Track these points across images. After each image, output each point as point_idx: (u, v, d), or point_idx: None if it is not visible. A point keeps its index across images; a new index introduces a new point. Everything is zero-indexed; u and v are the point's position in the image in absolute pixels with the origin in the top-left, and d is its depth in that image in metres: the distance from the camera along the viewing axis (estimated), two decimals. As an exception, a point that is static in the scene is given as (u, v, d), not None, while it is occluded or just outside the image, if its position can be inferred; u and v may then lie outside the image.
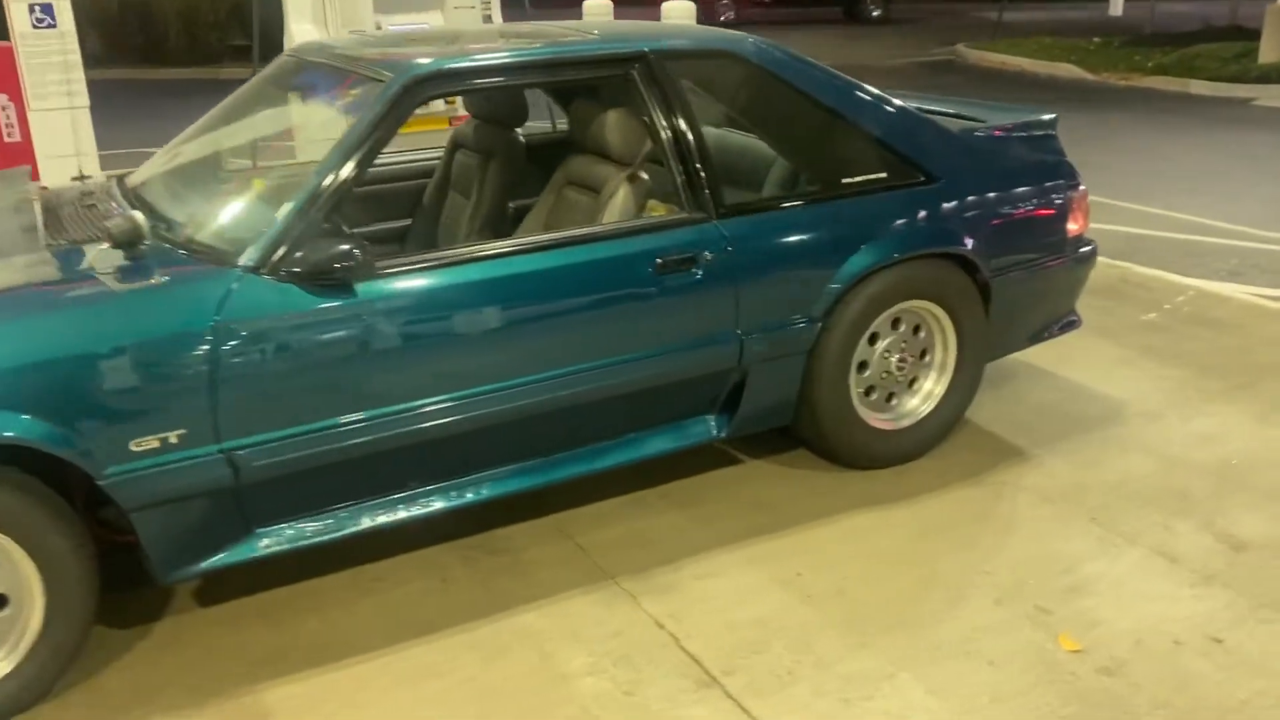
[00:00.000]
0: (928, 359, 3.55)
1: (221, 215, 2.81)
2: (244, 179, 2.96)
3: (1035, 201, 3.62)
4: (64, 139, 5.19)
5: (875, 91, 3.41)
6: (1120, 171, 8.36)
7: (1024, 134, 3.71)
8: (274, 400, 2.52)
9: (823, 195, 3.22)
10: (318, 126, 2.94)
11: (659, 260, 2.92)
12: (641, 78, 3.02)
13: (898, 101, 3.45)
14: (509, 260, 2.78)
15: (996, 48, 16.95)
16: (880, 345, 3.42)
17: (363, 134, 2.66)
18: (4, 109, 5.23)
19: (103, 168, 5.48)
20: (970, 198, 3.44)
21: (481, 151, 3.74)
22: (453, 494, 2.87)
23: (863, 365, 3.41)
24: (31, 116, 5.21)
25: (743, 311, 3.08)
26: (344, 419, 2.60)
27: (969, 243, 3.40)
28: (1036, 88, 13.63)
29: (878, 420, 3.47)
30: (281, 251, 2.53)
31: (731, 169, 3.36)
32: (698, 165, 3.03)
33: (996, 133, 3.67)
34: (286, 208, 2.57)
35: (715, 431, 3.22)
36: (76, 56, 5.22)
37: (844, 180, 3.25)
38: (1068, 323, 3.92)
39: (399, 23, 5.80)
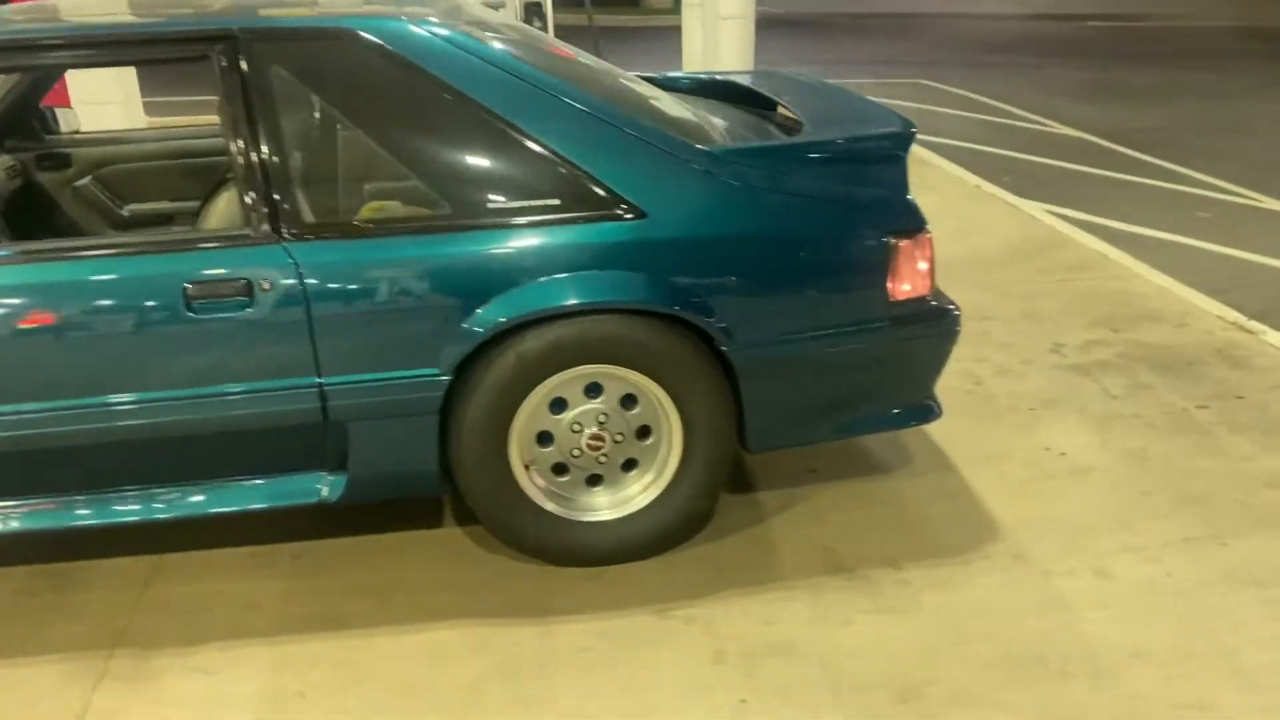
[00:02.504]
0: (651, 440, 2.74)
1: None
2: None
3: (830, 250, 2.66)
4: (104, 86, 5.36)
5: (582, 93, 2.62)
6: None
7: (844, 153, 2.72)
8: None
9: (454, 222, 2.52)
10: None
11: (188, 285, 2.42)
12: (223, 61, 2.49)
13: (616, 108, 2.63)
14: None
15: None
16: (568, 415, 2.67)
17: None
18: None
19: (148, 115, 5.66)
20: (700, 240, 2.58)
21: None
22: None
23: (547, 437, 2.69)
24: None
25: (324, 356, 2.50)
26: None
27: (690, 300, 2.55)
28: None
29: (559, 507, 2.73)
30: None
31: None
32: (265, 174, 2.47)
33: (803, 150, 2.71)
34: None
35: (328, 493, 2.66)
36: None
37: (489, 205, 2.53)
38: (913, 411, 2.89)
39: None
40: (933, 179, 6.61)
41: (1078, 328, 4.27)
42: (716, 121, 3.06)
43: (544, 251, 2.52)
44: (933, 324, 2.77)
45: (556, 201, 2.53)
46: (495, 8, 5.26)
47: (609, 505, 2.76)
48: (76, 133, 3.98)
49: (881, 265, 2.66)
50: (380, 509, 2.93)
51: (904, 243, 2.67)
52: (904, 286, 2.69)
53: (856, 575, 2.74)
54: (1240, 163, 7.12)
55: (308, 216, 2.49)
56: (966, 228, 5.55)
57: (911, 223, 2.68)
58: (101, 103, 5.44)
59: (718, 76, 3.74)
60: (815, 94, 3.31)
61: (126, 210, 3.86)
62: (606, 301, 2.53)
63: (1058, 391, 3.73)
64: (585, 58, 3.10)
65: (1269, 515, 2.96)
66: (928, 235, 2.71)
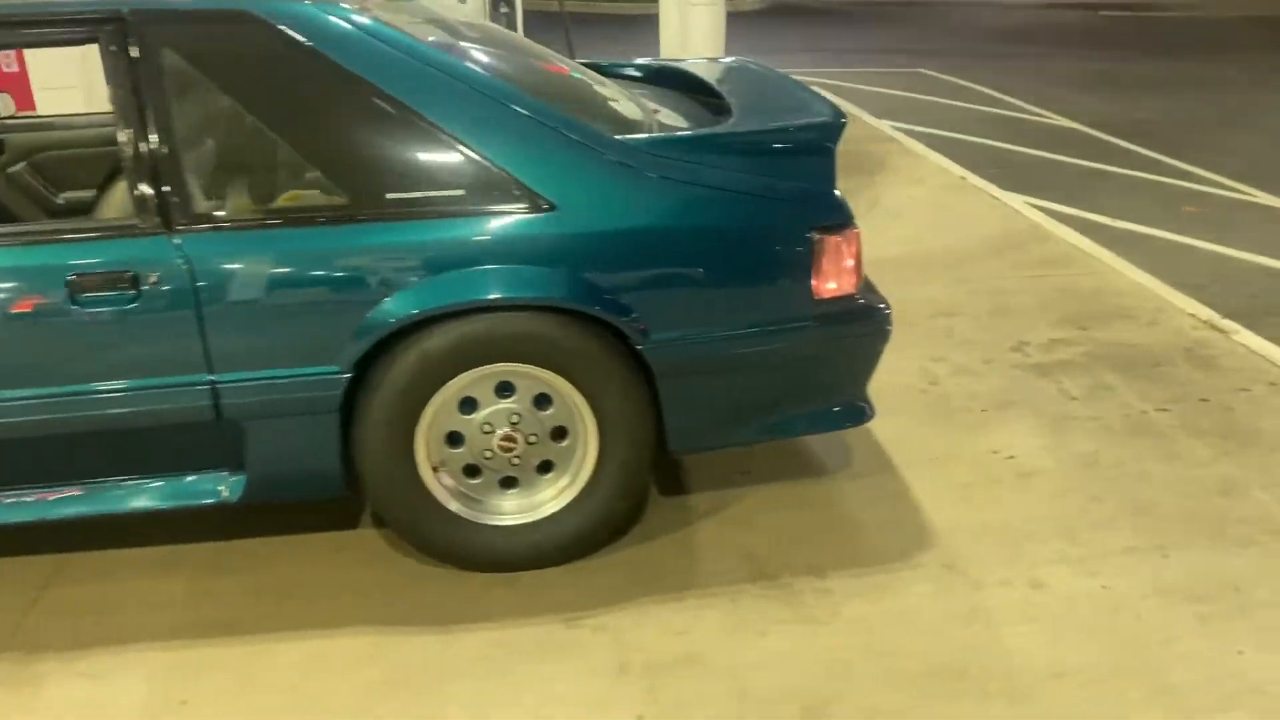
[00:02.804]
0: (566, 441, 2.64)
1: None
2: None
3: (751, 245, 2.55)
4: (66, 70, 5.28)
5: (495, 83, 2.50)
6: None
7: (767, 143, 2.60)
8: None
9: (353, 213, 2.42)
10: None
11: (73, 277, 2.33)
12: (111, 45, 2.39)
13: (530, 98, 2.51)
14: None
15: None
16: (478, 416, 2.57)
17: None
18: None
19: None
20: (613, 234, 2.47)
21: None
22: None
23: (457, 438, 2.59)
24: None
25: (215, 352, 2.40)
26: None
27: (602, 296, 2.45)
28: None
29: (469, 510, 2.64)
30: None
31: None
32: (154, 163, 2.37)
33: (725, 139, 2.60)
34: None
35: (228, 494, 2.57)
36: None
37: (389, 195, 2.43)
38: (844, 413, 2.77)
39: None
40: (919, 170, 6.45)
41: (1045, 325, 4.14)
42: (656, 111, 2.94)
43: (447, 245, 2.42)
44: (860, 323, 2.66)
45: (461, 193, 2.43)
46: (459, -4, 5.16)
47: (522, 509, 2.66)
48: (12, 117, 3.91)
49: (805, 262, 2.55)
50: (296, 509, 2.84)
51: (830, 238, 2.55)
52: (829, 284, 2.58)
53: (778, 583, 2.63)
54: (1238, 156, 6.95)
55: (199, 207, 2.39)
56: (946, 220, 5.41)
57: (838, 217, 2.57)
58: (62, 88, 5.37)
59: (667, 65, 3.62)
60: (756, 83, 3.20)
61: (61, 198, 3.77)
62: (513, 297, 2.42)
63: (1016, 392, 3.61)
64: (522, 46, 3.00)
65: (1215, 525, 2.83)
66: (855, 230, 2.59)
